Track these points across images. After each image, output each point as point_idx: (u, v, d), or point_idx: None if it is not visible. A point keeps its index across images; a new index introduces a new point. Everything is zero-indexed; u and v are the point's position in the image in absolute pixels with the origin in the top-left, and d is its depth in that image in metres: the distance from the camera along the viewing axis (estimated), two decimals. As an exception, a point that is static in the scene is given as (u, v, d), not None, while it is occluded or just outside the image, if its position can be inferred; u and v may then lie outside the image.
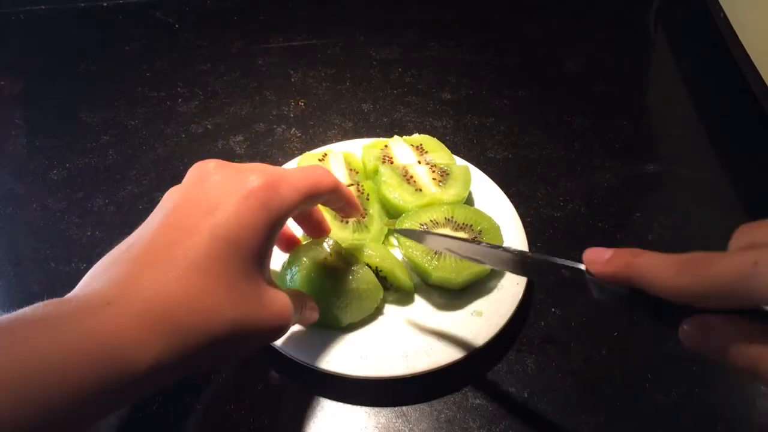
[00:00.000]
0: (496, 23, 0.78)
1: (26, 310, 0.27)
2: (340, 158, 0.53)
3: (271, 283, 0.35)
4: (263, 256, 0.33)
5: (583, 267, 0.33)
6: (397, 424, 0.41)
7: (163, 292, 0.29)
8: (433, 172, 0.52)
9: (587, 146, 0.61)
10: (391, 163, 0.53)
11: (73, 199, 0.57)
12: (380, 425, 0.41)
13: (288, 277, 0.43)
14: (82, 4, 0.79)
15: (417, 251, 0.46)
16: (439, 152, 0.54)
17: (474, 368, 0.44)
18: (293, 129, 0.63)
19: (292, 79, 0.69)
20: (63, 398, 0.25)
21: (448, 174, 0.52)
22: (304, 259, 0.43)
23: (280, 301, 0.34)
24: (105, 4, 0.79)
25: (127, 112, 0.65)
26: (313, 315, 0.41)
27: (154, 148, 0.62)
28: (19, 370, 0.24)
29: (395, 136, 0.55)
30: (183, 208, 0.32)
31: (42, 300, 0.46)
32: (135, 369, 0.27)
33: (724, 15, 0.68)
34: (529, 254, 0.37)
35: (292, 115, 0.65)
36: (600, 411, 0.42)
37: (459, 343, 0.43)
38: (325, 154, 0.54)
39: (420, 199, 0.50)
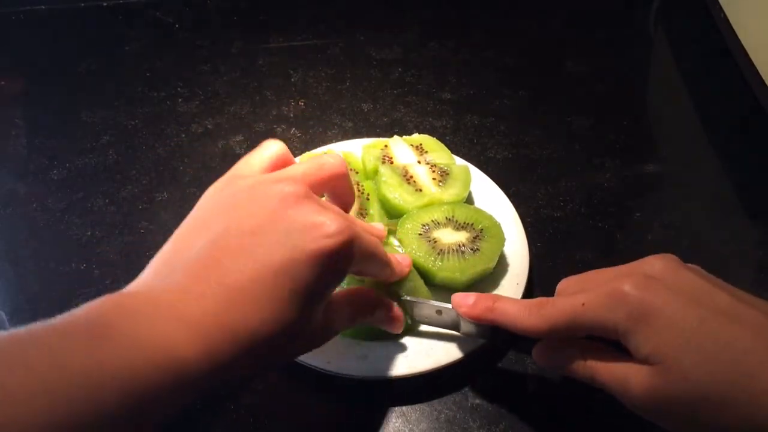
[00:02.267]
0: (496, 23, 0.78)
1: (91, 306, 0.27)
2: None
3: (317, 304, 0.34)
4: (321, 301, 0.33)
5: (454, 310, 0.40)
6: (397, 424, 0.41)
7: (219, 313, 0.29)
8: (433, 171, 0.52)
9: (587, 146, 0.61)
10: (391, 163, 0.53)
11: (73, 199, 0.57)
12: (380, 425, 0.41)
13: None
14: (82, 4, 0.79)
15: (420, 252, 0.46)
16: (438, 152, 0.54)
17: (474, 368, 0.44)
18: (293, 129, 0.63)
19: (292, 79, 0.69)
20: (120, 404, 0.25)
21: (447, 174, 0.52)
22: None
23: (326, 335, 0.36)
24: (105, 4, 0.79)
25: (127, 112, 0.65)
26: (395, 321, 0.41)
27: (154, 148, 0.62)
28: (77, 376, 0.24)
29: (395, 136, 0.55)
30: (254, 231, 0.32)
31: (41, 299, 0.46)
32: (192, 377, 0.27)
33: (724, 15, 0.68)
34: (417, 300, 0.42)
35: (292, 115, 0.65)
36: (600, 411, 0.42)
37: (459, 342, 0.43)
38: (325, 153, 0.54)
39: (420, 199, 0.50)
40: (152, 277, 0.32)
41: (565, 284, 0.38)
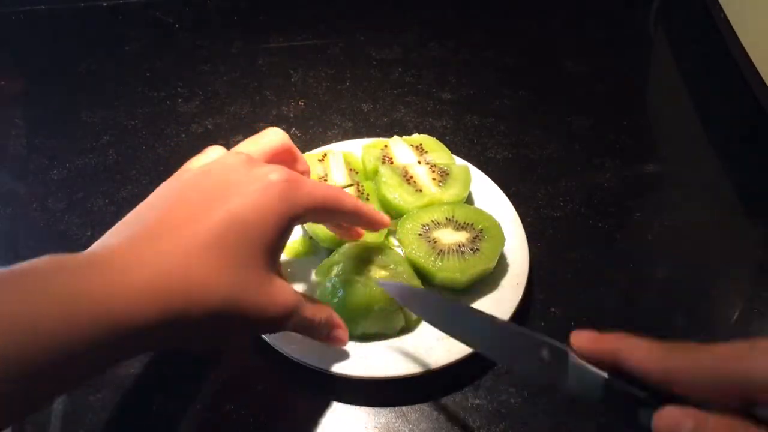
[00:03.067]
0: (496, 23, 0.78)
1: (36, 260, 0.28)
2: (339, 158, 0.53)
3: (280, 276, 0.35)
4: (274, 249, 0.34)
5: (565, 347, 0.31)
6: (397, 424, 0.41)
7: (166, 265, 0.30)
8: (433, 172, 0.52)
9: (587, 146, 0.61)
10: (391, 163, 0.53)
11: (73, 199, 0.57)
12: (380, 425, 0.41)
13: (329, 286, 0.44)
14: (82, 4, 0.79)
15: (420, 252, 0.46)
16: (438, 152, 0.54)
17: (474, 368, 0.44)
18: (293, 129, 0.63)
19: (292, 79, 0.69)
20: (54, 349, 0.25)
21: (447, 174, 0.52)
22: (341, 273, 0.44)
23: (284, 294, 0.35)
24: (105, 4, 0.79)
25: (127, 112, 0.65)
26: (339, 336, 0.41)
27: (154, 148, 0.62)
28: (10, 320, 0.25)
29: (395, 137, 0.55)
30: (203, 187, 0.33)
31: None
32: (124, 330, 0.28)
33: (724, 15, 0.68)
34: (513, 328, 0.34)
35: (292, 115, 0.65)
36: (600, 411, 0.42)
37: (459, 343, 0.43)
38: (325, 154, 0.54)
39: (420, 200, 0.50)
40: (93, 246, 0.32)
41: (582, 332, 0.31)
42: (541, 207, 0.55)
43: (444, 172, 0.52)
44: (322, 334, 0.40)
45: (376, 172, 0.52)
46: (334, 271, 0.44)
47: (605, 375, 0.29)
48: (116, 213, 0.55)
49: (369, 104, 0.66)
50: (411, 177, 0.51)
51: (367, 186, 0.52)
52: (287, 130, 0.63)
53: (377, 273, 0.44)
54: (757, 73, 0.61)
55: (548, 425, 0.41)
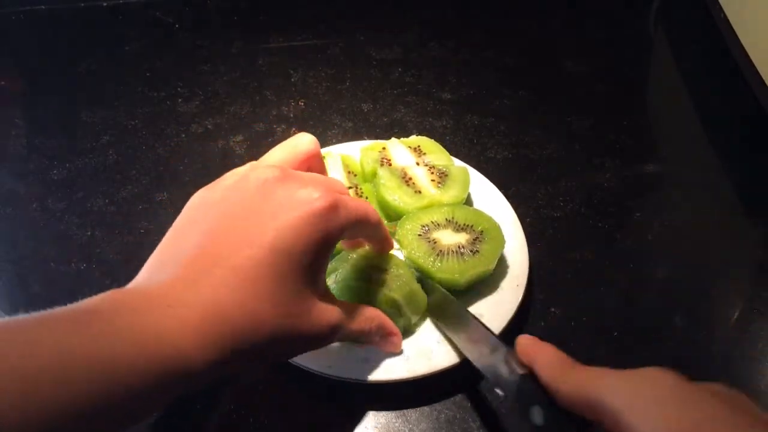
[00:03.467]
0: (496, 23, 0.78)
1: (91, 300, 0.28)
2: (337, 161, 0.53)
3: (325, 296, 0.36)
4: (317, 272, 0.34)
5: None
6: (396, 424, 0.41)
7: (220, 300, 0.30)
8: (432, 173, 0.52)
9: (587, 146, 0.61)
10: (390, 165, 0.53)
11: (73, 199, 0.57)
12: (380, 425, 0.41)
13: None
14: (82, 4, 0.79)
15: (419, 252, 0.46)
16: (437, 153, 0.54)
17: (474, 369, 0.44)
18: (293, 129, 0.63)
19: (292, 79, 0.69)
20: (120, 391, 0.26)
21: (446, 175, 0.52)
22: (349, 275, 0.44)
23: (328, 313, 0.35)
24: (105, 4, 0.79)
25: (127, 112, 0.65)
26: (393, 343, 0.41)
27: (154, 148, 0.62)
28: (82, 361, 0.25)
29: (393, 138, 0.55)
30: (245, 217, 0.33)
31: (41, 299, 0.46)
32: (189, 369, 0.28)
33: (724, 15, 0.68)
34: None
35: (292, 115, 0.65)
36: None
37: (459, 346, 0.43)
38: (325, 156, 0.54)
39: (419, 201, 0.50)
40: (147, 276, 0.33)
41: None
42: (541, 207, 0.55)
43: (443, 173, 0.52)
44: (373, 341, 0.40)
45: (374, 175, 0.52)
46: (334, 277, 0.44)
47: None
48: (116, 213, 0.55)
49: (369, 104, 0.66)
50: (410, 179, 0.51)
51: (366, 188, 0.52)
52: (287, 130, 0.63)
53: (377, 276, 0.44)
54: (757, 73, 0.61)
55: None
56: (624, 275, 0.50)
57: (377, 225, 0.40)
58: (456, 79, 0.69)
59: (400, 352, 0.42)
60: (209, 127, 0.64)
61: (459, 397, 0.42)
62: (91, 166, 0.60)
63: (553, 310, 0.47)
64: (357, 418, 0.42)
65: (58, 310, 0.27)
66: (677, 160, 0.61)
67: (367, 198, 0.51)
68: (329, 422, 0.42)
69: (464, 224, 0.48)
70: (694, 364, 0.44)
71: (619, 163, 0.59)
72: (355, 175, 0.53)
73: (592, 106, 0.66)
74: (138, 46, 0.74)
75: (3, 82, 0.70)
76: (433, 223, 0.48)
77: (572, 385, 0.30)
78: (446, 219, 0.48)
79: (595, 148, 0.61)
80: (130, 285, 0.32)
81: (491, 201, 0.52)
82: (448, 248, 0.46)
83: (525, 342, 0.35)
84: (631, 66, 0.73)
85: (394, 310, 0.43)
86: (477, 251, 0.46)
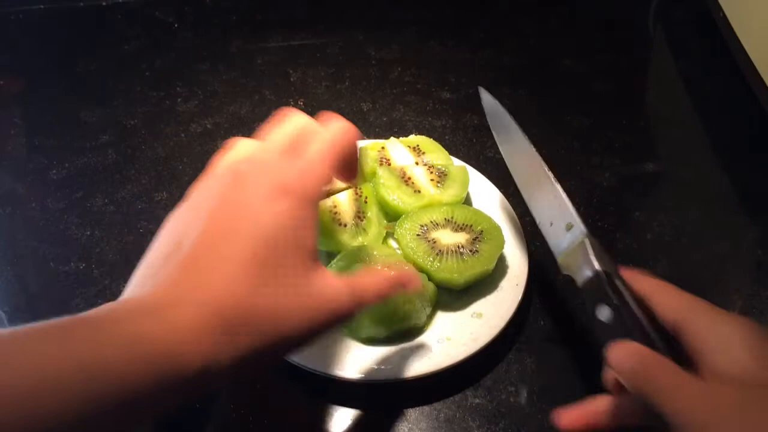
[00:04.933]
0: (496, 22, 0.78)
1: (83, 313, 0.28)
2: None
3: (320, 266, 0.34)
4: (305, 245, 0.33)
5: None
6: (396, 425, 0.41)
7: (211, 295, 0.29)
8: (431, 173, 0.52)
9: (587, 146, 0.61)
10: (389, 165, 0.53)
11: (73, 198, 0.57)
12: (380, 425, 0.41)
13: None
14: (82, 4, 0.79)
15: (418, 252, 0.46)
16: (436, 153, 0.54)
17: (474, 368, 0.44)
18: (293, 129, 0.63)
19: (292, 79, 0.69)
20: (118, 397, 0.25)
21: (446, 175, 0.52)
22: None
23: (329, 288, 0.33)
24: (104, 4, 0.79)
25: (127, 112, 0.65)
26: (411, 281, 0.37)
27: (153, 147, 0.62)
28: (79, 368, 0.25)
29: (392, 138, 0.55)
30: (221, 213, 0.32)
31: (41, 299, 0.46)
32: (187, 370, 0.28)
33: (724, 15, 0.68)
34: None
35: (291, 115, 0.65)
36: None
37: (459, 345, 0.43)
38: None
39: (419, 201, 0.50)
40: (137, 286, 0.32)
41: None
42: (541, 207, 0.55)
43: (442, 172, 0.52)
44: (393, 291, 0.37)
45: (373, 174, 0.52)
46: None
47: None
48: (115, 213, 0.55)
49: (368, 104, 0.66)
50: (409, 178, 0.51)
51: (366, 189, 0.52)
52: (287, 130, 0.63)
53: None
54: (757, 73, 0.61)
55: (548, 425, 0.41)
56: (624, 275, 0.50)
57: (354, 146, 0.37)
58: (455, 78, 0.69)
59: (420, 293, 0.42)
60: (208, 126, 0.64)
61: (459, 397, 0.42)
62: (91, 165, 0.60)
63: (553, 309, 0.47)
64: (357, 418, 0.42)
65: (49, 321, 0.27)
66: (677, 159, 0.61)
67: (366, 198, 0.51)
68: (329, 422, 0.42)
69: (463, 224, 0.48)
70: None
71: (619, 162, 0.59)
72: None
73: (592, 106, 0.66)
74: (137, 46, 0.74)
75: (3, 82, 0.70)
76: (432, 222, 0.48)
77: (670, 306, 0.34)
78: (445, 219, 0.48)
79: (594, 147, 0.61)
80: (121, 297, 0.31)
81: (491, 201, 0.52)
82: (447, 248, 0.46)
83: (645, 280, 0.36)
84: (630, 66, 0.73)
85: (409, 306, 0.43)
86: (476, 251, 0.46)
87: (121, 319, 0.28)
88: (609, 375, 0.35)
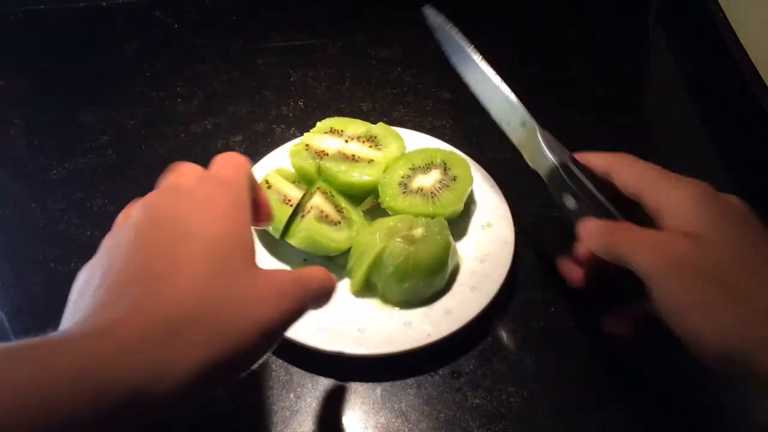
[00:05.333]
0: (496, 23, 0.78)
1: (15, 342, 0.25)
2: (280, 179, 0.53)
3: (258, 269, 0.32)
4: (239, 246, 0.32)
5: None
6: (396, 424, 0.41)
7: (155, 308, 0.27)
8: (364, 142, 0.54)
9: (587, 146, 0.61)
10: (327, 155, 0.53)
11: (73, 199, 0.57)
12: (380, 425, 0.41)
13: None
14: (82, 4, 0.79)
15: (416, 204, 0.49)
16: (351, 125, 0.56)
17: (474, 368, 0.44)
18: (293, 129, 0.63)
19: (292, 79, 0.69)
20: (62, 425, 0.23)
21: (375, 137, 0.54)
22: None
23: (274, 277, 0.32)
24: (105, 4, 0.79)
25: (127, 112, 0.65)
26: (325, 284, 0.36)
27: (153, 148, 0.62)
28: (17, 396, 0.23)
29: (305, 134, 0.55)
30: (151, 232, 0.31)
31: (41, 299, 0.46)
32: (137, 385, 0.25)
33: (724, 15, 0.68)
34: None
35: (291, 115, 0.65)
36: (600, 410, 0.42)
37: (457, 314, 0.44)
38: (267, 182, 0.52)
39: (377, 168, 0.52)
40: (69, 317, 0.30)
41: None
42: (541, 207, 0.55)
43: (371, 137, 0.54)
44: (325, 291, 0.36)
45: (319, 172, 0.52)
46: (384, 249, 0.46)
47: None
48: (116, 213, 0.55)
49: (368, 104, 0.66)
50: (353, 155, 0.52)
51: (321, 185, 0.52)
52: (286, 130, 0.63)
53: (416, 233, 0.47)
54: (757, 73, 0.61)
55: (548, 425, 0.41)
56: (624, 275, 0.50)
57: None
58: (455, 78, 0.69)
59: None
60: (209, 127, 0.64)
61: (458, 397, 0.42)
62: (91, 166, 0.60)
63: (553, 309, 0.47)
64: (357, 418, 0.42)
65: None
66: (677, 160, 0.61)
67: (333, 195, 0.51)
68: (328, 422, 0.42)
69: (426, 164, 0.52)
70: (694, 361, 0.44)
71: (619, 162, 0.59)
72: (299, 182, 0.53)
73: (592, 106, 0.66)
74: (138, 46, 0.74)
75: (2, 82, 0.70)
76: (404, 177, 0.51)
77: (628, 178, 0.39)
78: (410, 168, 0.52)
79: (594, 147, 0.61)
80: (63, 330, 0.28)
81: (486, 192, 0.53)
82: (434, 187, 0.50)
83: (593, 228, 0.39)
84: (631, 66, 0.73)
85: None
86: (454, 177, 0.50)
87: (57, 345, 0.25)
88: (582, 250, 0.42)
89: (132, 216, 0.33)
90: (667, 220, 0.36)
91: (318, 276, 0.35)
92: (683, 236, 0.34)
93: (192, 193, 0.33)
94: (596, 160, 0.41)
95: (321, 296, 0.35)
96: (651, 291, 0.34)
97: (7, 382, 0.23)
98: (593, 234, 0.38)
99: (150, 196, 0.34)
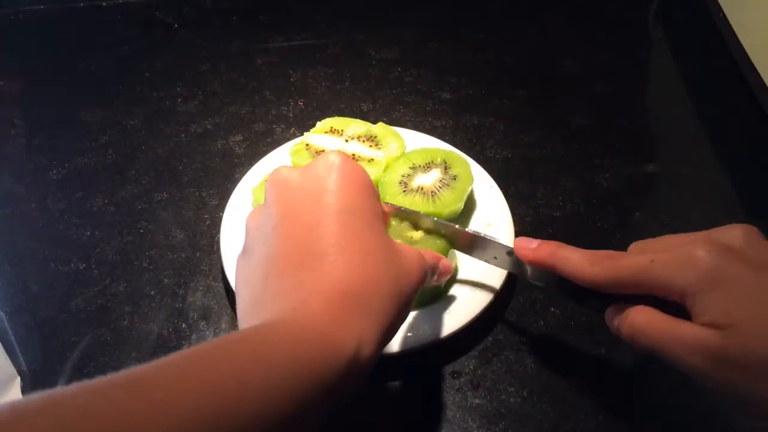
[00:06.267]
0: (496, 23, 0.78)
1: (230, 334, 0.28)
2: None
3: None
4: (379, 215, 0.34)
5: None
6: (396, 424, 0.41)
7: (329, 282, 0.30)
8: (364, 141, 0.54)
9: (587, 146, 0.61)
10: None
11: (73, 199, 0.57)
12: (380, 425, 0.41)
13: None
14: (82, 4, 0.79)
15: (417, 203, 0.49)
16: (351, 125, 0.56)
17: (474, 368, 0.44)
18: (293, 129, 0.63)
19: (292, 79, 0.69)
20: (294, 398, 0.26)
21: (375, 136, 0.54)
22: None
23: (411, 253, 0.34)
24: (104, 4, 0.79)
25: (127, 112, 0.65)
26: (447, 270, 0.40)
27: (153, 148, 0.62)
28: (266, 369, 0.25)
29: (305, 133, 0.55)
30: (292, 215, 0.33)
31: (41, 299, 0.45)
32: (346, 354, 0.28)
33: (724, 15, 0.68)
34: (476, 234, 0.43)
35: (291, 115, 0.65)
36: (600, 410, 0.42)
37: (457, 315, 0.44)
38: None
39: (378, 166, 0.52)
40: (252, 314, 0.32)
41: (635, 246, 0.37)
42: (541, 207, 0.55)
43: (371, 137, 0.54)
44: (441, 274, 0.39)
45: None
46: None
47: (553, 276, 0.38)
48: (115, 213, 0.55)
49: (368, 104, 0.66)
50: (353, 155, 0.53)
51: None
52: (286, 130, 0.63)
53: (417, 234, 0.46)
54: (757, 73, 0.61)
55: (548, 425, 0.41)
56: (624, 275, 0.50)
57: None
58: (455, 78, 0.69)
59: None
60: (208, 127, 0.64)
61: (459, 397, 0.42)
62: (91, 166, 0.60)
63: (553, 309, 0.47)
64: (356, 418, 0.42)
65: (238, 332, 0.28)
66: (677, 160, 0.61)
67: None
68: (329, 421, 0.42)
69: (427, 163, 0.52)
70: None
71: (619, 162, 0.59)
72: None
73: (592, 106, 0.66)
74: (137, 46, 0.74)
75: (3, 82, 0.70)
76: (404, 176, 0.51)
77: (613, 269, 0.35)
78: (410, 167, 0.51)
79: (594, 147, 0.61)
80: (260, 323, 0.30)
81: (492, 195, 0.53)
82: (434, 185, 0.50)
83: (536, 249, 0.39)
84: (630, 66, 0.72)
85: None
86: (454, 176, 0.50)
87: (263, 335, 0.28)
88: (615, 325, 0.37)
89: (266, 200, 0.35)
90: (694, 309, 0.32)
91: (437, 256, 0.38)
92: (715, 331, 0.30)
93: (326, 173, 0.34)
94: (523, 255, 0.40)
95: (442, 274, 0.39)
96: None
97: (266, 362, 0.26)
98: (636, 331, 0.34)
99: (285, 170, 0.36)
